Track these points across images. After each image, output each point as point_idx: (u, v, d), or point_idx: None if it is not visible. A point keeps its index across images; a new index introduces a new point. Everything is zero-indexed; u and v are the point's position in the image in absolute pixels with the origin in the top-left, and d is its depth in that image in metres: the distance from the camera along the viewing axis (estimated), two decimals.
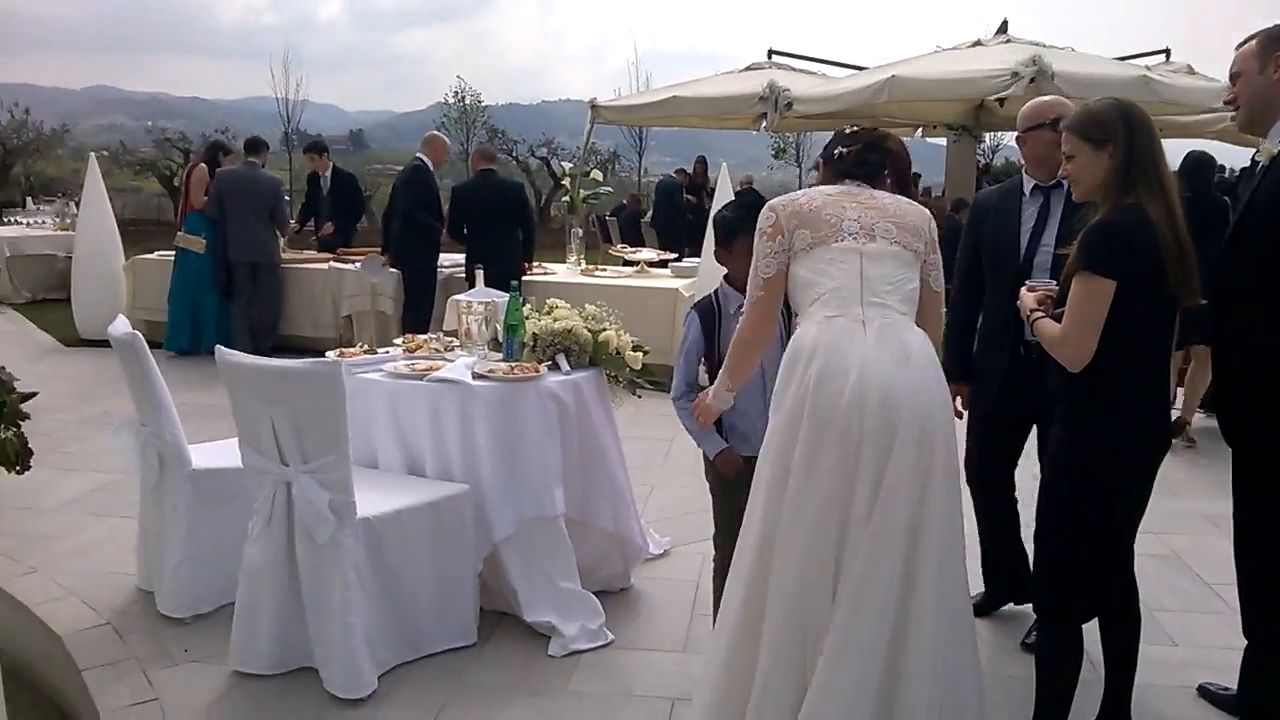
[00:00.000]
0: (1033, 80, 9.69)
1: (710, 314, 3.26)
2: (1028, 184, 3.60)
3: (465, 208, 7.88)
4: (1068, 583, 2.76)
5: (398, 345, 4.25)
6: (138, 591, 3.97)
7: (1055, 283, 2.86)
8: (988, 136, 18.41)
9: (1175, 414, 3.21)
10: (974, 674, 2.62)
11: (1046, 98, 3.76)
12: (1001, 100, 11.10)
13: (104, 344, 4.55)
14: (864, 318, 2.56)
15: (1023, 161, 3.71)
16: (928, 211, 2.80)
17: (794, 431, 2.51)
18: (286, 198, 11.05)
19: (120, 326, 3.86)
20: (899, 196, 2.80)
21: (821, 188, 2.79)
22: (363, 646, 3.19)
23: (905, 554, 2.45)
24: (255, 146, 8.84)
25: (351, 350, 4.14)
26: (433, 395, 3.62)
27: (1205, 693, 3.31)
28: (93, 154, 11.07)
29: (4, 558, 4.21)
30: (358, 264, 8.51)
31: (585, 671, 3.41)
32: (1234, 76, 2.99)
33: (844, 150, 2.83)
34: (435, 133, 8.33)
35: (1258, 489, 2.88)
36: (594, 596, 3.70)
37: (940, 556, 2.49)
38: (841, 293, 2.59)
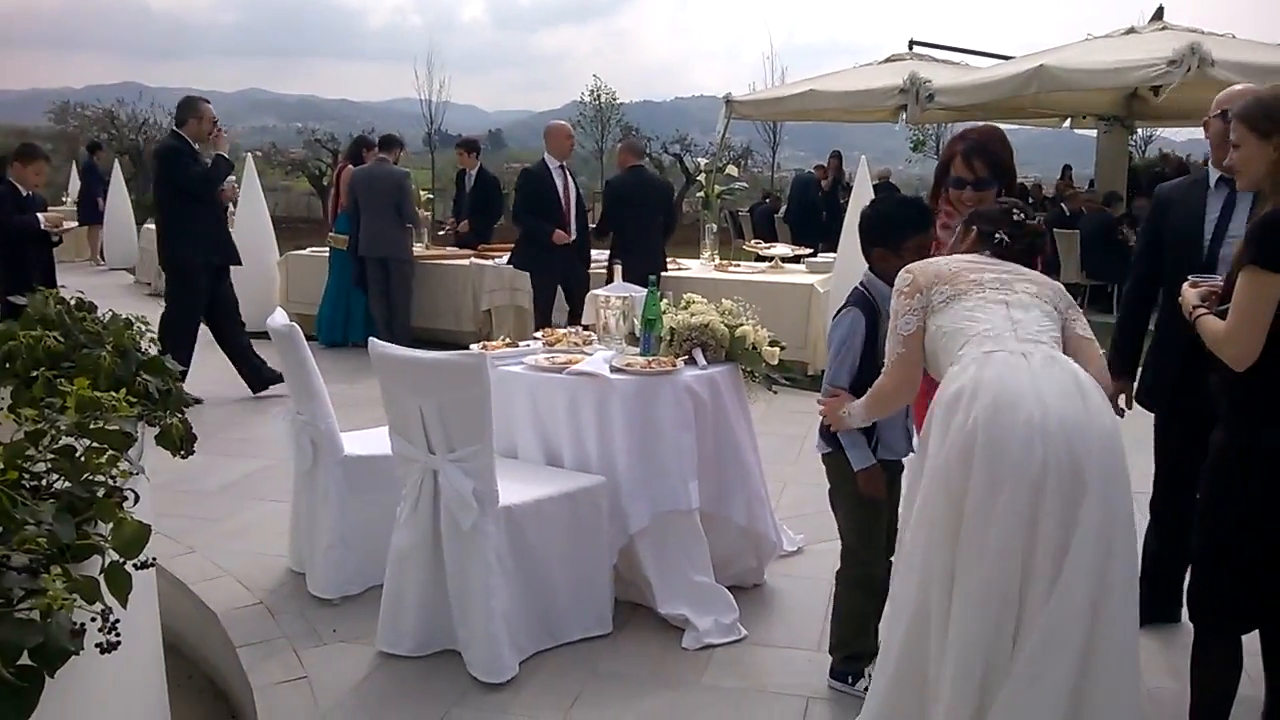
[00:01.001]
0: (1192, 69, 9.25)
1: (872, 311, 3.11)
2: (1213, 175, 3.45)
3: (618, 204, 7.88)
4: (1225, 594, 2.64)
5: (538, 339, 4.34)
6: (289, 573, 4.15)
7: (1220, 278, 2.73)
8: (1139, 128, 17.59)
9: None
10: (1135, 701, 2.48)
11: (1234, 87, 3.57)
12: (1157, 90, 10.62)
13: (262, 335, 4.78)
14: (1024, 351, 2.48)
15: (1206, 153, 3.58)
16: (1056, 282, 2.79)
17: (965, 469, 2.37)
18: (428, 195, 11.37)
19: (279, 319, 4.05)
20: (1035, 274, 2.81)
21: (958, 256, 2.77)
22: (503, 631, 3.27)
23: (1092, 598, 2.33)
24: (388, 144, 9.03)
25: (493, 343, 4.25)
26: (571, 388, 3.69)
27: None
28: (248, 154, 11.63)
29: (165, 538, 4.46)
30: (498, 260, 8.69)
31: (719, 666, 3.42)
32: None
33: (1007, 239, 2.80)
34: (554, 122, 8.28)
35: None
36: (727, 591, 3.71)
37: (1123, 595, 2.38)
38: (994, 333, 2.54)
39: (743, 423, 3.93)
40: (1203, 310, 2.67)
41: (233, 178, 7.26)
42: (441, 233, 10.25)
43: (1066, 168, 17.05)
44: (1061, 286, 2.77)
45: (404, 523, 3.42)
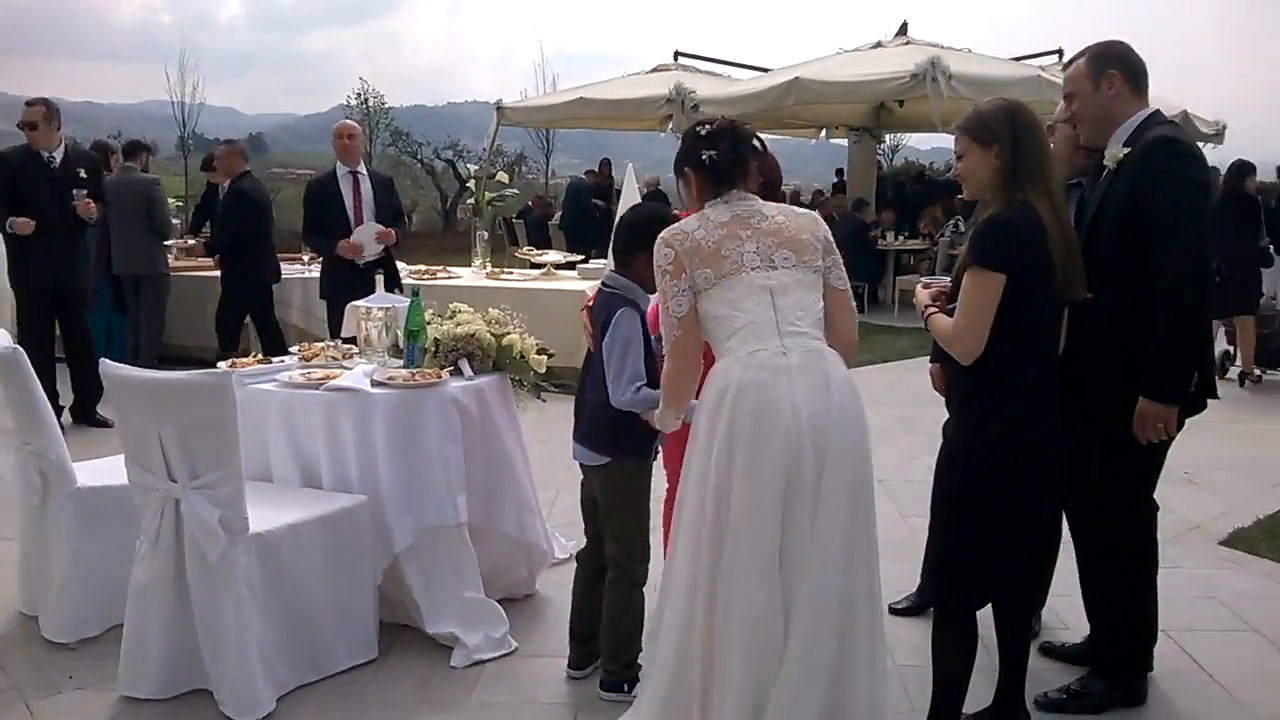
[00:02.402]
0: (933, 81, 9.92)
1: (642, 312, 3.12)
2: None
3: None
4: (964, 577, 2.81)
5: (293, 354, 4.14)
6: (19, 616, 3.80)
7: (948, 278, 2.91)
8: (887, 137, 18.71)
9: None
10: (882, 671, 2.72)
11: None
12: (901, 101, 11.34)
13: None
14: (784, 348, 2.58)
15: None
16: (815, 214, 2.81)
17: (729, 465, 2.54)
18: (177, 202, 10.66)
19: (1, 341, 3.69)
20: (786, 207, 2.78)
21: (710, 216, 2.71)
22: (258, 666, 3.10)
23: (844, 569, 2.53)
24: (133, 150, 8.38)
25: (244, 360, 4.02)
26: (328, 404, 3.53)
27: (1047, 650, 3.53)
28: None
29: None
30: None
31: (489, 682, 3.36)
32: (1068, 98, 3.17)
33: (713, 153, 2.74)
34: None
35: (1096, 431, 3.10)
36: (498, 604, 3.65)
37: (869, 568, 2.58)
38: (756, 327, 2.60)
39: (512, 433, 3.89)
40: (934, 309, 2.85)
41: (82, 191, 6.52)
42: (191, 242, 9.59)
43: (839, 171, 17.75)
44: (816, 217, 2.76)
45: (144, 556, 3.17)
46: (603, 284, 3.25)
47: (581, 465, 3.29)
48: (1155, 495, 3.25)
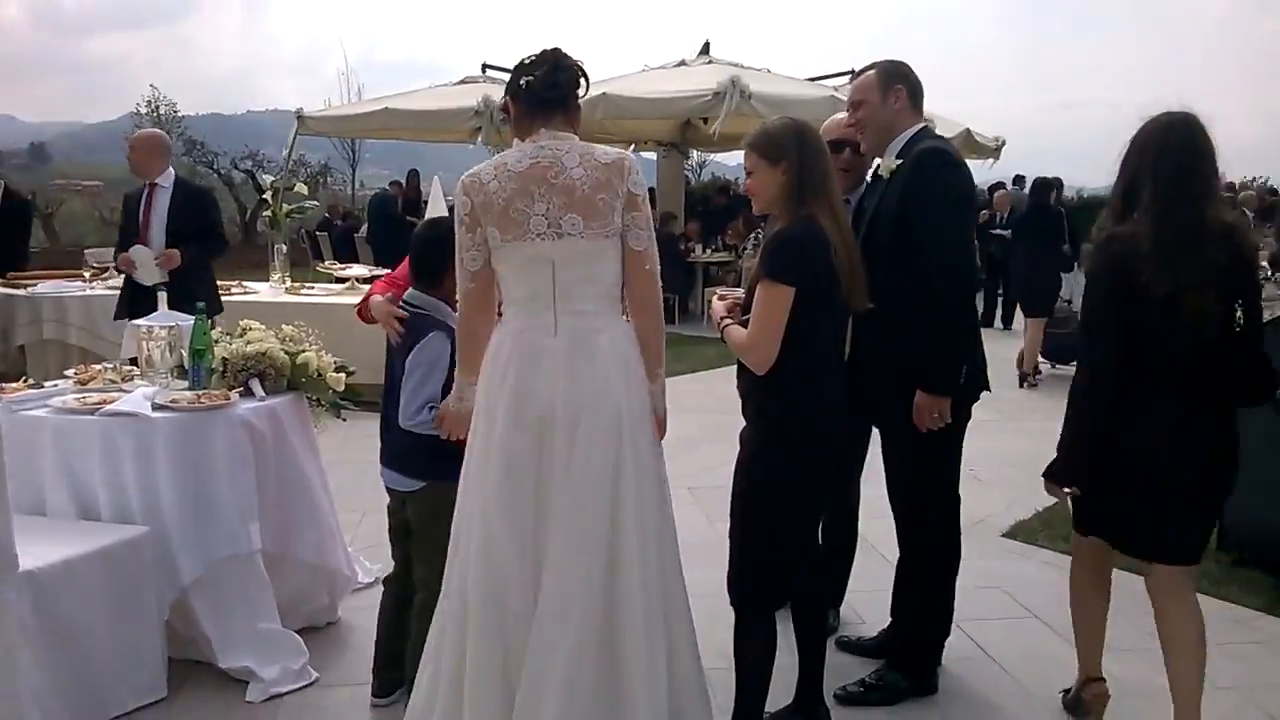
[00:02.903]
0: (735, 100, 10.19)
1: (452, 337, 3.02)
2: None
3: None
4: (764, 577, 2.89)
5: (69, 377, 3.86)
6: None
7: (740, 291, 2.99)
8: (694, 153, 19.14)
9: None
10: (695, 664, 2.77)
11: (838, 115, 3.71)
12: (705, 119, 11.60)
13: None
14: (556, 326, 2.60)
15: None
16: (626, 161, 2.65)
17: (492, 434, 2.61)
18: None
19: None
20: (593, 153, 2.62)
21: (508, 163, 2.61)
22: (33, 712, 2.86)
23: (606, 545, 2.56)
24: None
25: (12, 385, 3.72)
26: (106, 430, 3.31)
27: (844, 644, 3.70)
28: None
29: None
30: (33, 289, 7.68)
31: (288, 715, 3.23)
32: (855, 104, 3.36)
33: (531, 79, 2.64)
34: None
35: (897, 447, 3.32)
36: (296, 635, 3.50)
37: (641, 546, 2.59)
38: (534, 300, 2.61)
39: (309, 454, 3.75)
40: (729, 321, 2.92)
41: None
42: None
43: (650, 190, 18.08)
44: (623, 167, 2.62)
45: None
46: (405, 303, 3.19)
47: (391, 490, 3.21)
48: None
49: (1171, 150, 2.75)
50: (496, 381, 2.63)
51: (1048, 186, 9.96)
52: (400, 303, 3.21)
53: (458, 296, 2.74)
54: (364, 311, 3.42)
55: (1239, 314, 2.74)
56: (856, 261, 2.86)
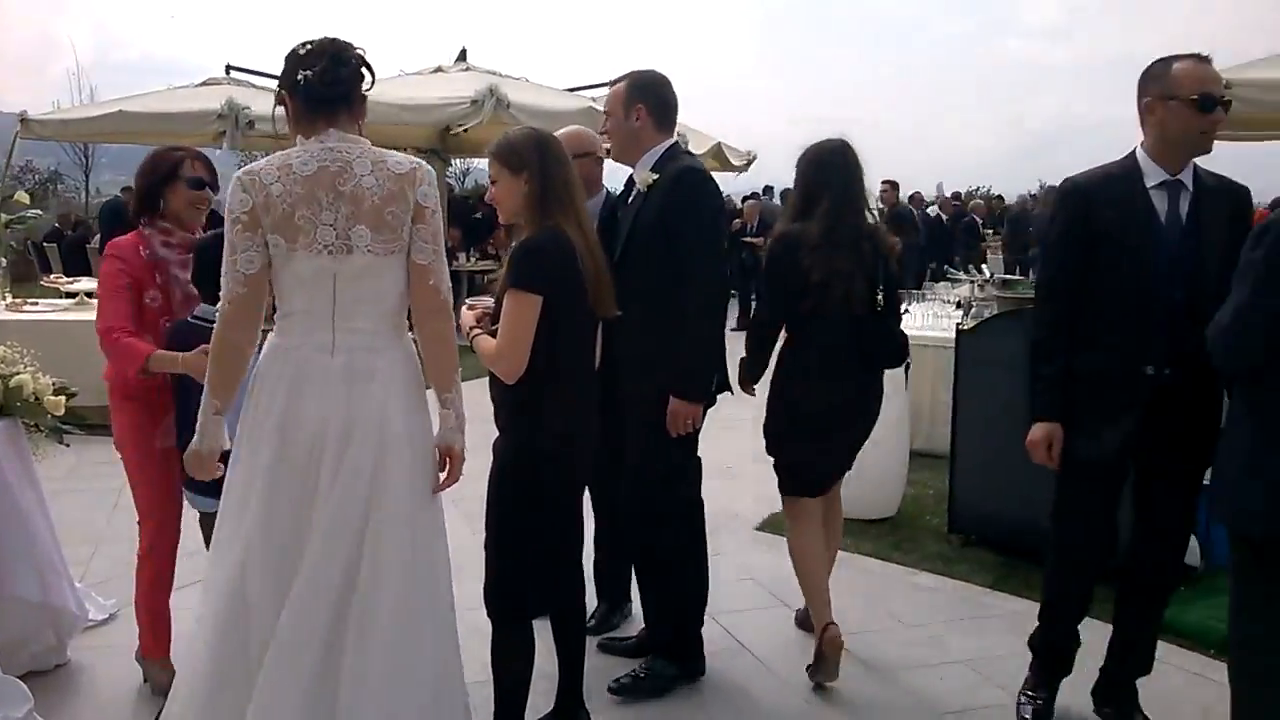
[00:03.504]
0: (490, 109, 10.15)
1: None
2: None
3: None
4: (519, 587, 2.88)
5: None
6: None
7: (491, 300, 2.98)
8: (456, 161, 18.95)
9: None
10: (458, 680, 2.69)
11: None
12: (464, 126, 11.49)
13: None
14: (334, 345, 2.48)
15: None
16: (419, 171, 2.53)
17: (256, 460, 2.47)
18: None
19: None
20: (385, 160, 2.49)
21: (293, 165, 2.44)
22: None
23: (348, 564, 2.46)
24: None
25: None
26: None
27: (606, 646, 3.78)
28: None
29: None
30: None
31: None
32: (605, 115, 3.49)
33: (309, 74, 2.46)
34: None
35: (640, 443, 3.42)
36: (19, 680, 3.19)
37: (398, 570, 2.49)
38: (312, 315, 2.49)
39: (27, 485, 3.44)
40: (478, 330, 2.90)
41: None
42: None
43: None
44: (417, 176, 2.50)
45: None
46: (196, 318, 3.05)
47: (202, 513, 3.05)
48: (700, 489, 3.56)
49: (843, 169, 3.51)
50: (264, 401, 2.48)
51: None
52: (191, 317, 3.06)
53: (221, 304, 2.49)
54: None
55: (880, 297, 3.50)
56: (604, 270, 2.91)
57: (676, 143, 3.52)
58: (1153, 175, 2.98)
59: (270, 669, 2.42)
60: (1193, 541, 4.36)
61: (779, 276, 3.51)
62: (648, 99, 3.44)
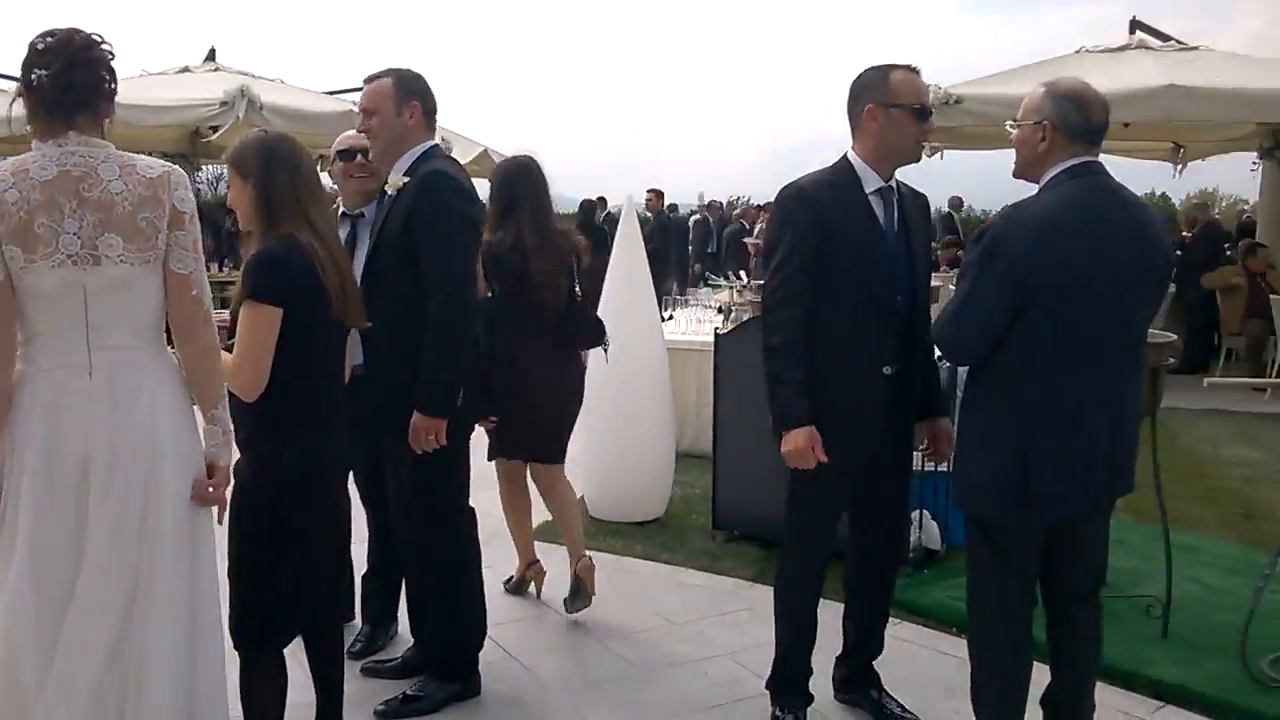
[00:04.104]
0: (242, 111, 9.69)
1: None
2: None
3: None
4: (265, 612, 2.75)
5: None
6: None
7: (226, 313, 2.83)
8: (207, 166, 17.98)
9: None
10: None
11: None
12: (215, 129, 10.91)
13: None
14: (91, 365, 2.28)
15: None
16: (172, 175, 2.37)
17: (16, 496, 2.29)
18: None
19: None
20: (134, 164, 2.32)
21: (31, 170, 2.25)
22: None
23: (125, 593, 2.32)
24: None
25: None
26: None
27: (370, 670, 3.68)
28: None
29: None
30: None
31: None
32: (368, 112, 3.30)
33: (42, 74, 2.26)
34: None
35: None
36: None
37: (171, 594, 2.36)
38: (63, 334, 2.28)
39: None
40: None
41: None
42: None
43: None
44: (170, 181, 2.33)
45: None
46: None
47: None
48: (473, 502, 3.50)
49: (530, 182, 3.96)
50: (20, 433, 2.27)
51: (593, 205, 11.38)
52: None
53: None
54: None
55: (578, 288, 4.03)
56: (349, 280, 2.81)
57: (436, 145, 3.39)
58: (870, 181, 3.11)
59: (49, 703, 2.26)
60: (934, 525, 4.70)
61: (492, 274, 3.88)
62: (422, 97, 3.32)
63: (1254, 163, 12.04)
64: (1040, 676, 2.99)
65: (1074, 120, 2.74)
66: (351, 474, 3.25)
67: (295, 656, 2.91)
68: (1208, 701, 3.48)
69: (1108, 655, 3.18)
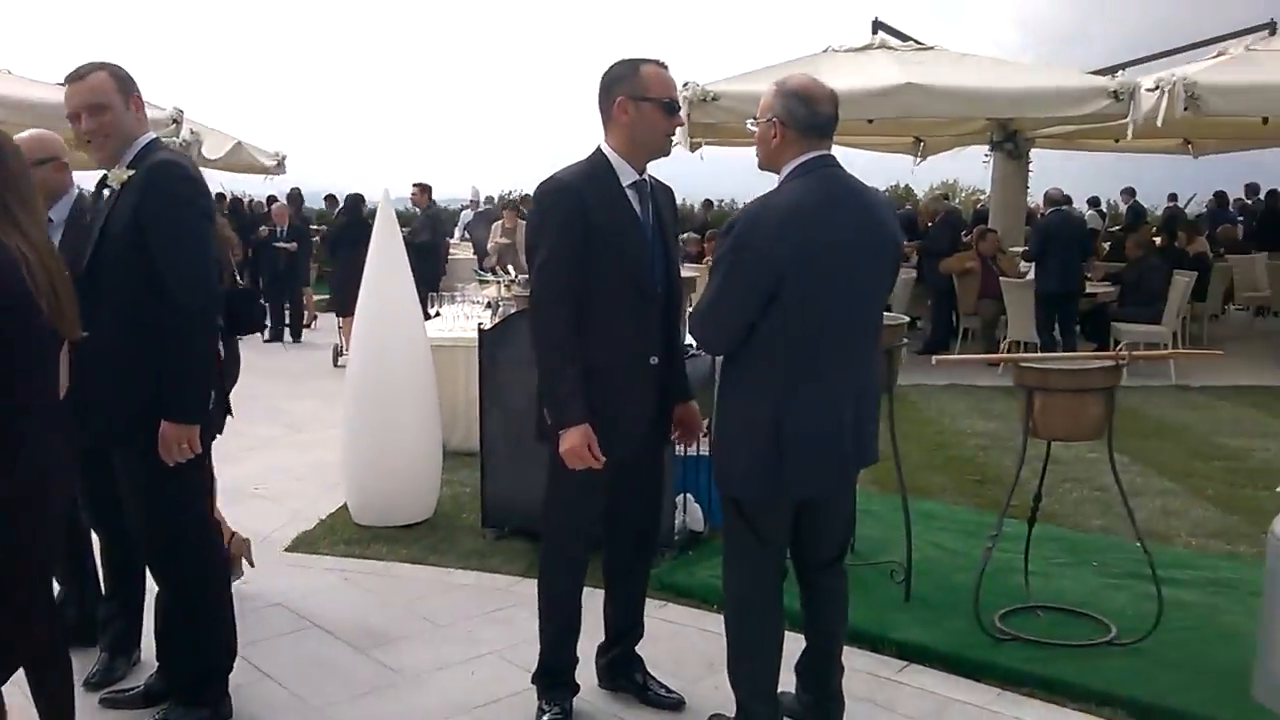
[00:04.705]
0: None
1: None
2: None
3: None
4: None
5: None
6: None
7: None
8: None
9: None
10: None
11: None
12: None
13: None
14: None
15: None
16: None
17: None
18: None
19: None
20: None
21: None
22: None
23: None
24: None
25: None
26: None
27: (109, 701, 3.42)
28: None
29: None
30: None
31: None
32: (98, 108, 3.06)
33: None
34: None
35: None
36: None
37: None
38: None
39: None
40: None
41: None
42: None
43: None
44: None
45: None
46: None
47: None
48: (227, 516, 3.31)
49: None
50: None
51: (359, 200, 11.53)
52: None
53: None
54: None
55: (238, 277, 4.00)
56: (63, 284, 2.57)
57: (156, 138, 3.21)
58: (625, 175, 3.12)
59: None
60: (698, 508, 4.82)
61: None
62: (137, 88, 3.15)
63: (985, 155, 13.07)
64: (794, 646, 3.12)
65: (801, 115, 2.87)
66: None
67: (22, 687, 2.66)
68: (947, 658, 3.71)
69: (855, 621, 3.36)
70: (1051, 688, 3.50)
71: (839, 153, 2.99)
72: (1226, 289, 13.35)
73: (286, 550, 4.98)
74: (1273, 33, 12.04)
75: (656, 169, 3.27)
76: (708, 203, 20.00)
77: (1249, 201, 16.53)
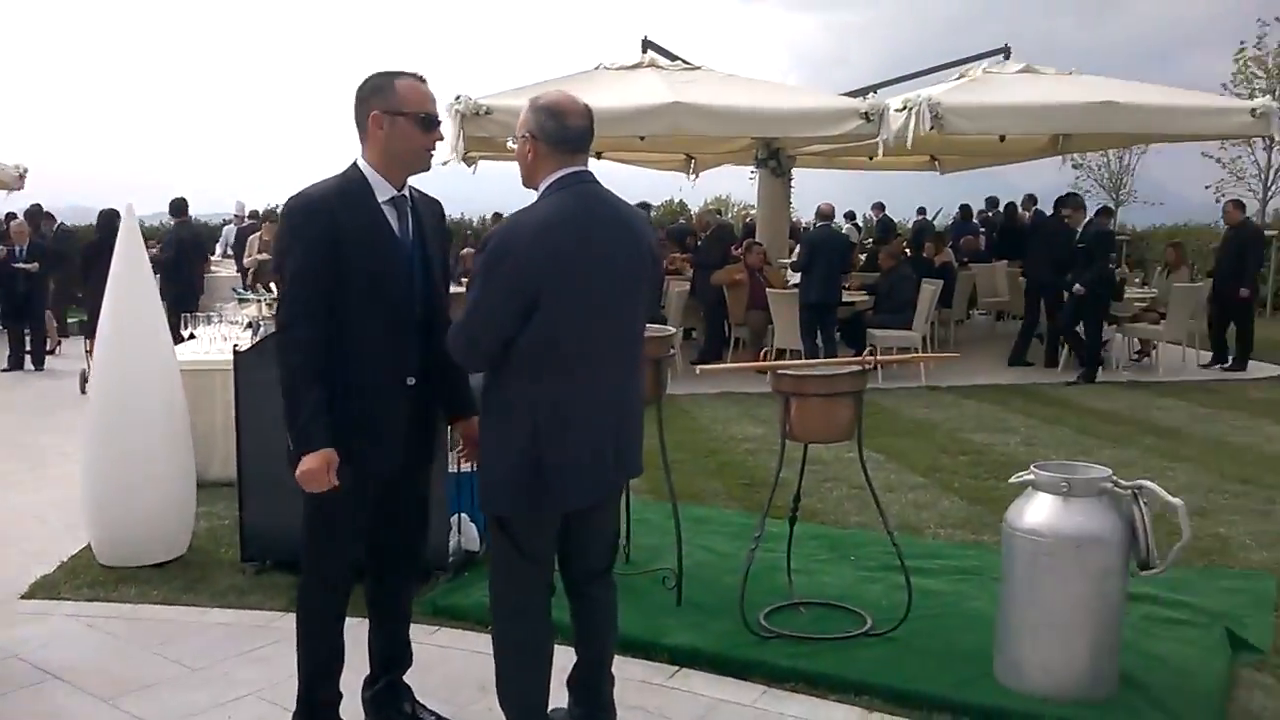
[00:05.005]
0: None
1: None
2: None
3: None
4: None
5: None
6: None
7: None
8: None
9: None
10: None
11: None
12: None
13: None
14: None
15: None
16: None
17: None
18: None
19: None
20: None
21: None
22: None
23: None
24: None
25: None
26: None
27: None
28: None
29: None
30: None
31: None
32: None
33: None
34: None
35: None
36: None
37: None
38: None
39: None
40: None
41: None
42: None
43: None
44: None
45: None
46: None
47: None
48: None
49: None
50: None
51: (113, 215, 10.46)
52: None
53: None
54: None
55: None
56: None
57: None
58: (382, 190, 3.02)
59: None
60: (473, 527, 4.74)
61: None
62: None
63: (751, 173, 13.61)
64: (565, 660, 3.10)
65: (552, 130, 2.87)
66: None
67: None
68: (716, 659, 3.80)
69: (628, 629, 3.39)
70: (814, 681, 3.64)
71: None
72: (970, 296, 14.40)
73: (23, 598, 4.55)
74: (1007, 57, 13.13)
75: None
76: (498, 216, 19.84)
77: (990, 214, 17.84)
